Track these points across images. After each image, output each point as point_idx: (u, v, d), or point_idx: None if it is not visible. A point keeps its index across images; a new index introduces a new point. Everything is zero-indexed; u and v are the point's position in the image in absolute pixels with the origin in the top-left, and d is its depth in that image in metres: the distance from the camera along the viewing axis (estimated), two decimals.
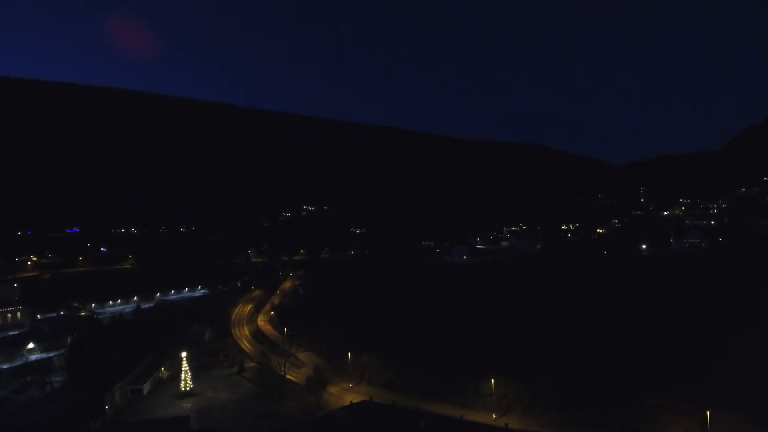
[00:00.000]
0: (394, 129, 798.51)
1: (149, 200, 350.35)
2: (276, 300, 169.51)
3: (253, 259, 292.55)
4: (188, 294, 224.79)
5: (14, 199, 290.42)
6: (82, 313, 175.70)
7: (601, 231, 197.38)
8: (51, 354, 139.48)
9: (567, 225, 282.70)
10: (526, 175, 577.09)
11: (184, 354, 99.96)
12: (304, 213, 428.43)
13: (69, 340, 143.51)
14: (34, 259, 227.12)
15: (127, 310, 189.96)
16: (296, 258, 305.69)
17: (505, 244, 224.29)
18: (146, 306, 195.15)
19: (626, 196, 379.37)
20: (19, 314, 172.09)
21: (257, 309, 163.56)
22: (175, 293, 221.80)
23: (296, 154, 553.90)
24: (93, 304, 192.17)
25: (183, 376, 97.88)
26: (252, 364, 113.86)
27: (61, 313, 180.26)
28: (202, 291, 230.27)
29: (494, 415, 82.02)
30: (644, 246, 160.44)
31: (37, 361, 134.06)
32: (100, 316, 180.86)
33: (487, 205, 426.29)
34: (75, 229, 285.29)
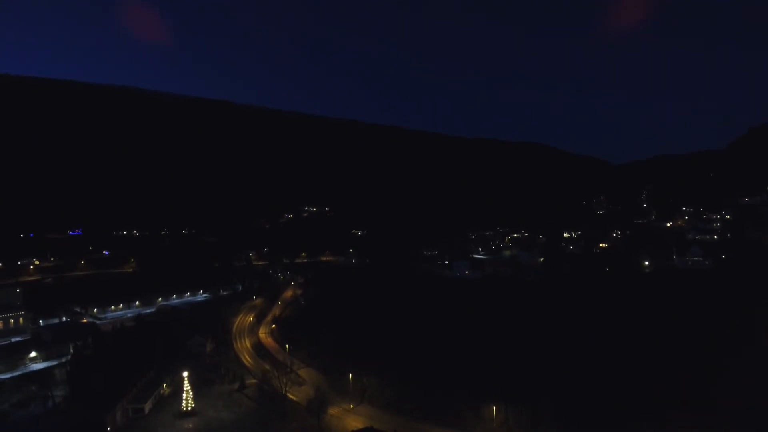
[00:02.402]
0: (396, 128, 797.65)
1: (151, 201, 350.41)
2: (277, 311, 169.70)
3: (255, 262, 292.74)
4: (190, 298, 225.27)
5: (16, 200, 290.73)
6: (84, 320, 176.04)
7: (604, 245, 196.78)
8: (53, 362, 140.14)
9: (569, 232, 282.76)
10: (528, 174, 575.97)
11: (185, 374, 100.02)
12: (305, 214, 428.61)
13: (71, 349, 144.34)
14: (36, 262, 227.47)
15: (128, 315, 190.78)
16: (297, 260, 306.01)
17: (507, 253, 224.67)
18: (147, 311, 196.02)
19: (628, 199, 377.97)
20: (21, 319, 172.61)
21: (258, 319, 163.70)
22: (176, 297, 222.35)
23: (297, 153, 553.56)
24: (95, 309, 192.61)
25: (184, 395, 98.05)
26: (253, 380, 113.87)
27: (63, 318, 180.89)
28: (204, 295, 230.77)
29: None
30: (646, 263, 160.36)
31: (38, 371, 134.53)
32: (101, 322, 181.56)
33: (490, 206, 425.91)
34: (77, 231, 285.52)
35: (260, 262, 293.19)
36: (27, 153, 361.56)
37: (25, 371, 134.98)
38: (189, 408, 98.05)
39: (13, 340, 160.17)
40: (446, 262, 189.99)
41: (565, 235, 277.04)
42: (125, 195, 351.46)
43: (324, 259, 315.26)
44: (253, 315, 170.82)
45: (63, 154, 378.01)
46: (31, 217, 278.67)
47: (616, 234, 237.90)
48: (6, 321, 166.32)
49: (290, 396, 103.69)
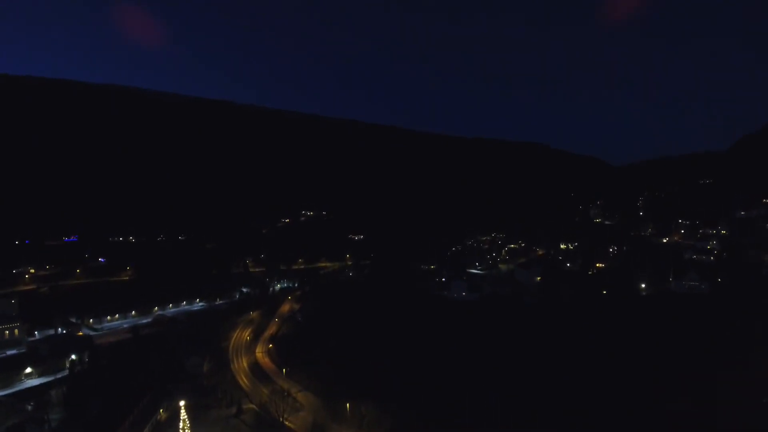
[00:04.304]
0: (396, 128, 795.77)
1: (148, 204, 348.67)
2: (274, 328, 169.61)
3: (252, 269, 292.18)
4: (186, 307, 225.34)
5: (12, 205, 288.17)
6: (80, 332, 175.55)
7: (600, 265, 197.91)
8: (48, 378, 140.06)
9: (566, 243, 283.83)
10: (528, 176, 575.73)
11: (182, 402, 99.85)
12: (302, 218, 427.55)
13: (67, 364, 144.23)
14: (32, 270, 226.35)
15: (125, 326, 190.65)
16: (295, 266, 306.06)
17: (503, 267, 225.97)
18: (144, 322, 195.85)
19: (626, 206, 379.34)
20: (16, 331, 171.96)
21: (256, 335, 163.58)
22: (173, 307, 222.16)
23: (297, 154, 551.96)
24: (91, 320, 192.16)
25: (181, 425, 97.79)
26: (251, 405, 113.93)
27: (59, 330, 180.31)
28: (201, 304, 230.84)
29: None
30: (643, 285, 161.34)
31: (33, 388, 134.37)
32: (98, 333, 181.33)
33: (488, 208, 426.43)
34: (73, 238, 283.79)
35: (257, 269, 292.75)
36: (24, 155, 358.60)
37: (20, 388, 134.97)
38: None
39: (9, 353, 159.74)
40: (443, 279, 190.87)
41: (562, 246, 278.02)
42: (122, 198, 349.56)
43: (321, 264, 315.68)
44: (250, 330, 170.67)
45: (59, 156, 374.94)
46: (27, 222, 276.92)
47: (613, 249, 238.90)
48: (1, 333, 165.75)
49: (288, 423, 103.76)
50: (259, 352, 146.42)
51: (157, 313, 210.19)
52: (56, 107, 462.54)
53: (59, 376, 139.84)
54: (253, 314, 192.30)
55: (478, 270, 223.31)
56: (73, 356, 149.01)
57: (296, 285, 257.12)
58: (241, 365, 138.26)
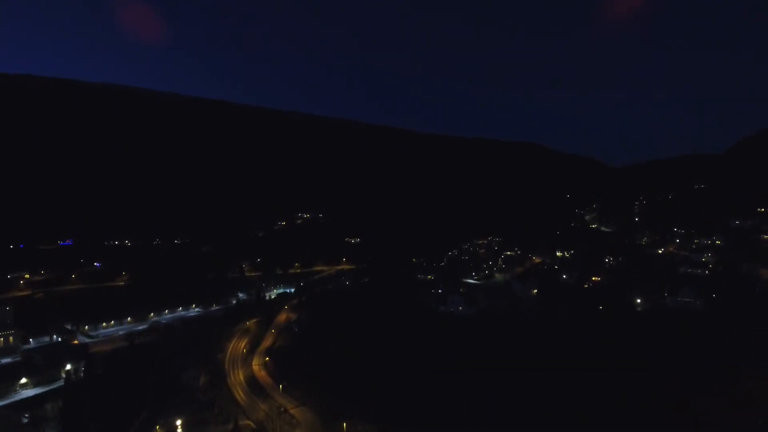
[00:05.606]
0: (396, 129, 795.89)
1: (144, 206, 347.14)
2: (270, 339, 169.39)
3: (248, 273, 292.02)
4: (182, 313, 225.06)
5: (6, 209, 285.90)
6: (75, 341, 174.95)
7: (596, 279, 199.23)
8: (44, 389, 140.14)
9: (562, 251, 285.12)
10: (525, 177, 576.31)
11: (179, 422, 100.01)
12: (299, 221, 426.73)
13: (62, 373, 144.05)
14: (27, 276, 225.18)
15: (120, 333, 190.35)
16: (291, 271, 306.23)
17: (499, 277, 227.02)
18: (140, 328, 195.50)
19: (623, 210, 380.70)
20: (11, 338, 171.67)
21: (252, 347, 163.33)
22: (168, 312, 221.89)
23: (296, 155, 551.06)
24: (86, 327, 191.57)
25: None
26: (247, 421, 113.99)
27: (54, 337, 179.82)
28: (197, 310, 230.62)
29: None
30: (638, 300, 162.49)
31: (29, 399, 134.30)
32: (93, 340, 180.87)
33: (486, 211, 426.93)
34: (68, 241, 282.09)
35: (253, 273, 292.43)
36: (20, 156, 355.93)
37: (15, 399, 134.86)
38: None
39: (3, 361, 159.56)
40: (440, 291, 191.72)
41: (558, 254, 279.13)
42: (118, 200, 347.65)
43: (318, 268, 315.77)
44: (246, 341, 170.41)
45: (55, 157, 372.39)
46: (21, 226, 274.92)
47: (609, 260, 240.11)
48: None
49: None
50: (256, 365, 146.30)
51: (152, 319, 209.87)
52: (54, 107, 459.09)
53: (54, 386, 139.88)
54: (249, 323, 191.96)
55: (474, 280, 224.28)
56: (69, 366, 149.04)
57: (293, 290, 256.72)
58: (237, 378, 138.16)
